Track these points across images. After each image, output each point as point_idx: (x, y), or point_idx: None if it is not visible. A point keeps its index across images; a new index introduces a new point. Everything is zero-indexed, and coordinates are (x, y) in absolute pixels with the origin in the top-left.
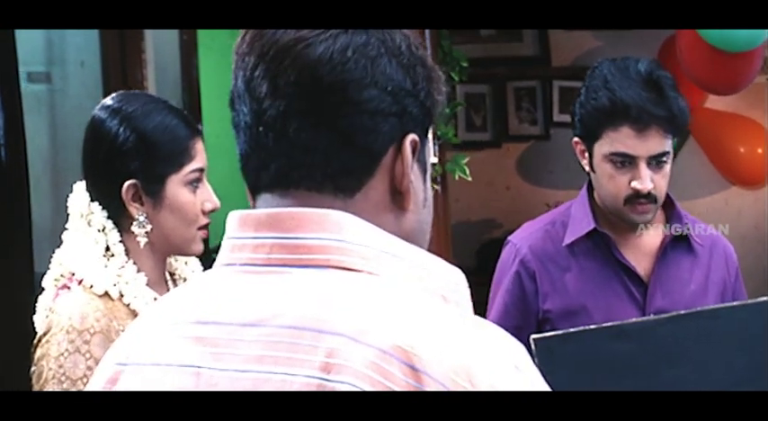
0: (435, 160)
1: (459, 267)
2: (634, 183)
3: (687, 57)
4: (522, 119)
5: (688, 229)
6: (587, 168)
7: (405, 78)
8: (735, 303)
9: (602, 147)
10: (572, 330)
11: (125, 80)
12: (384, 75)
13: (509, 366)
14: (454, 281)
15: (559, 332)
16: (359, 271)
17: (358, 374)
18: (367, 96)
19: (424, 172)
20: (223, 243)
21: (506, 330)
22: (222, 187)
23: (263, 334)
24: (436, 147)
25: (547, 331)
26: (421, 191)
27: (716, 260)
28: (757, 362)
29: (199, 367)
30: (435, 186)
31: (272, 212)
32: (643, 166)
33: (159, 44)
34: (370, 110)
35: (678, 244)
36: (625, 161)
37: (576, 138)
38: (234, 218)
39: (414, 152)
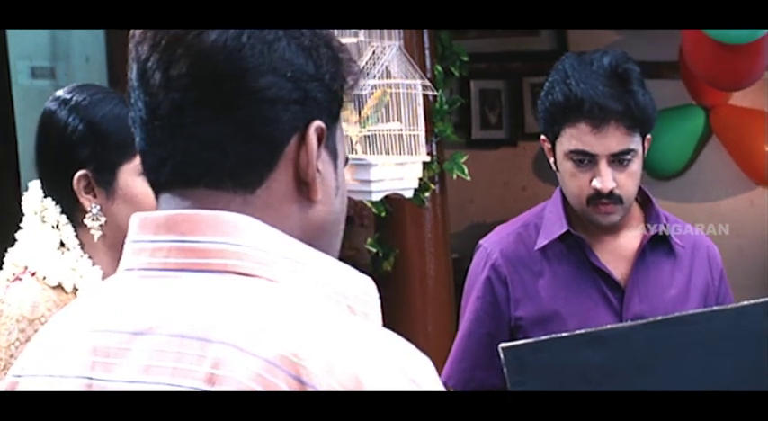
0: (427, 158)
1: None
2: (594, 183)
3: (690, 50)
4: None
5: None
6: (554, 167)
7: (306, 62)
8: (715, 308)
9: (563, 144)
10: (543, 338)
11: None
12: (283, 59)
13: (404, 380)
14: (363, 290)
15: (529, 340)
16: (256, 276)
17: (242, 387)
18: (265, 84)
19: (334, 159)
20: (125, 247)
21: (478, 338)
22: None
23: (152, 343)
24: (434, 146)
25: (519, 339)
26: (332, 179)
27: (698, 262)
28: (739, 369)
29: (90, 378)
30: (433, 186)
31: (169, 214)
32: (603, 165)
33: None
34: (268, 98)
35: (657, 246)
36: (585, 159)
37: (542, 136)
38: (135, 220)
39: (320, 139)
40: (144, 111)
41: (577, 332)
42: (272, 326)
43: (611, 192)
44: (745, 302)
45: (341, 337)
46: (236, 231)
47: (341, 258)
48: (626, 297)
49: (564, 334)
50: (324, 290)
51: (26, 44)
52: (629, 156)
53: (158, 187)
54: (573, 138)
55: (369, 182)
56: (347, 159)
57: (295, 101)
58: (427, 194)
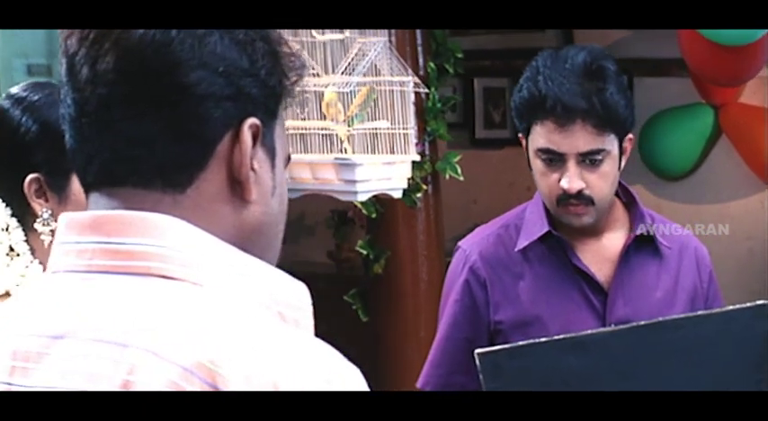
0: (417, 158)
1: None
2: (562, 182)
3: (686, 46)
4: None
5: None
6: (529, 166)
7: (240, 56)
8: (702, 312)
9: (532, 142)
10: (521, 343)
11: None
12: (214, 54)
13: (327, 390)
14: (295, 297)
15: (506, 346)
16: (180, 280)
17: None
18: (195, 79)
19: (272, 158)
20: (53, 248)
21: (456, 342)
22: None
23: (70, 347)
24: (426, 145)
25: (499, 343)
26: (268, 179)
27: (686, 264)
28: (727, 376)
29: (9, 383)
30: (425, 186)
31: (95, 215)
32: (572, 165)
33: None
34: (199, 94)
35: (642, 247)
36: (553, 158)
37: (519, 134)
38: (62, 221)
39: (256, 137)
40: (72, 107)
41: (557, 337)
42: (191, 331)
43: (579, 192)
44: (733, 306)
45: (262, 345)
46: (162, 233)
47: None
48: (609, 300)
49: (543, 339)
50: (252, 295)
51: (22, 41)
52: (599, 157)
53: (87, 186)
54: (540, 136)
55: (354, 182)
56: (289, 158)
57: (227, 97)
58: (419, 195)
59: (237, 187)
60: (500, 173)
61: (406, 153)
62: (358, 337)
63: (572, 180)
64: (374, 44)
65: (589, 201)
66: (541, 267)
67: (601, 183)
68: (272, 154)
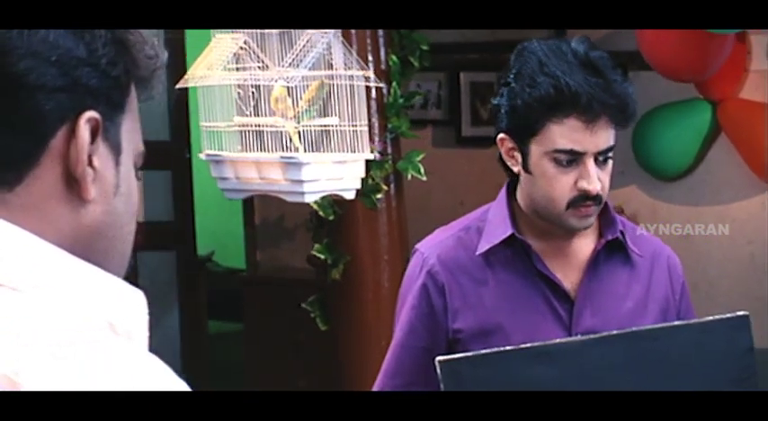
0: (371, 156)
1: None
2: (581, 184)
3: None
4: None
5: (623, 236)
6: (516, 169)
7: (77, 45)
8: (677, 323)
9: (542, 143)
10: (484, 351)
11: None
12: (46, 42)
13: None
14: (129, 307)
15: (469, 354)
16: None
17: None
18: (24, 69)
19: (116, 154)
20: None
21: (413, 351)
22: (211, 188)
23: None
24: (388, 143)
25: (458, 353)
26: (111, 177)
27: (658, 273)
28: (703, 389)
29: None
30: (385, 186)
31: None
32: (591, 164)
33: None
34: (28, 85)
35: (613, 254)
36: (570, 159)
37: (501, 135)
38: None
39: (96, 131)
40: None
41: (523, 346)
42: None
43: (596, 193)
44: (712, 317)
45: (74, 359)
46: None
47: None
48: (576, 309)
49: (507, 348)
50: (78, 304)
51: None
52: (611, 154)
53: None
54: (559, 135)
55: (301, 182)
56: (142, 155)
57: (61, 88)
58: (380, 196)
59: (75, 185)
60: (488, 173)
61: (358, 151)
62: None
63: (594, 180)
64: (323, 35)
65: (599, 202)
66: (504, 273)
67: (607, 181)
68: (116, 150)
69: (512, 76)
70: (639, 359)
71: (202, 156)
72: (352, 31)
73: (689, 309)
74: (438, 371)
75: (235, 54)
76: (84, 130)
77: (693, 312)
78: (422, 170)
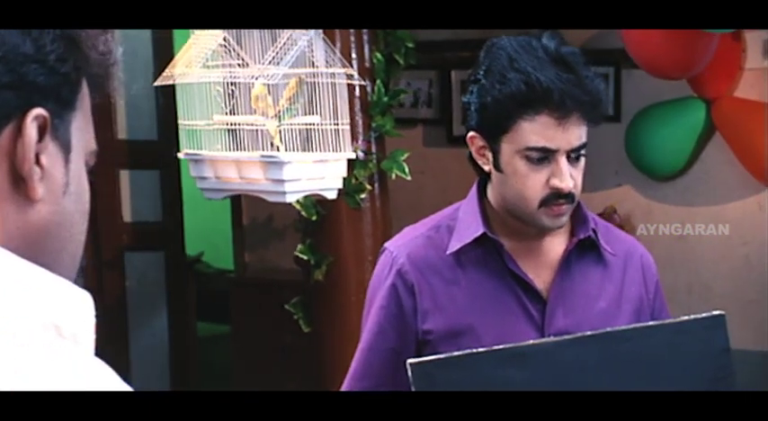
0: (352, 155)
1: None
2: (554, 182)
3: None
4: None
5: (596, 235)
6: (487, 168)
7: (23, 41)
8: (652, 323)
9: (513, 141)
10: (457, 353)
11: None
12: None
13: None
14: (75, 310)
15: (441, 356)
16: None
17: None
18: None
19: (66, 152)
20: None
21: (381, 353)
22: None
23: None
24: (372, 142)
25: (428, 355)
26: (60, 176)
27: (631, 272)
28: (676, 389)
29: None
30: (369, 186)
31: None
32: (563, 161)
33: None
34: None
35: (585, 253)
36: (542, 157)
37: (472, 133)
38: None
39: (44, 129)
40: None
41: (496, 347)
42: None
43: (569, 191)
44: (687, 317)
45: (20, 359)
46: None
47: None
48: (548, 309)
49: (480, 349)
50: (24, 305)
51: None
52: (583, 151)
53: None
54: (531, 133)
55: (282, 181)
56: (95, 153)
57: (6, 85)
58: (363, 196)
59: (21, 184)
60: None
61: (340, 150)
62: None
63: (566, 178)
64: (304, 33)
65: (572, 200)
66: (475, 272)
67: (580, 179)
68: (65, 148)
69: (481, 72)
70: (613, 360)
71: (181, 155)
72: None
73: (663, 309)
74: (409, 373)
75: (214, 51)
76: (30, 128)
77: (668, 312)
78: (406, 169)
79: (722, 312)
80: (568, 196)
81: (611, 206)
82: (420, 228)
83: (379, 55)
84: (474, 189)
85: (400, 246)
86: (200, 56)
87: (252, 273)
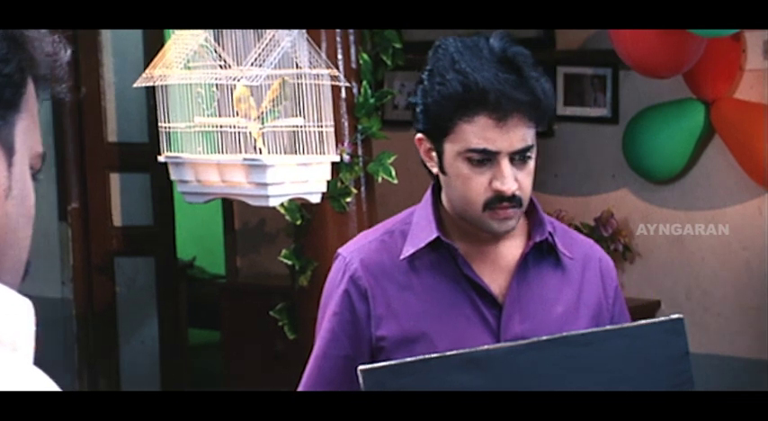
0: (336, 158)
1: None
2: (495, 184)
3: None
4: None
5: (553, 238)
6: (435, 170)
7: None
8: (610, 327)
9: (455, 142)
10: (408, 360)
11: (76, 66)
12: None
13: None
14: (13, 317)
15: (392, 362)
16: None
17: None
18: None
19: (9, 155)
20: None
21: (335, 361)
22: None
23: None
24: (359, 144)
25: (381, 362)
26: (3, 178)
27: (589, 277)
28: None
29: None
30: (355, 190)
31: None
32: (506, 164)
33: None
34: None
35: (542, 257)
36: (484, 158)
37: (419, 135)
38: None
39: None
40: None
41: (448, 353)
42: None
43: (513, 194)
44: (645, 321)
45: None
46: None
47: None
48: (504, 315)
49: (433, 355)
50: None
51: None
52: (529, 153)
53: None
54: (470, 134)
55: (265, 185)
56: (41, 156)
57: None
58: (349, 199)
59: None
60: None
61: (324, 153)
62: None
63: (508, 181)
64: (288, 33)
65: (518, 204)
66: (430, 278)
67: (528, 182)
68: (8, 150)
69: (426, 73)
70: (570, 365)
71: (162, 158)
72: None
73: (623, 315)
74: (360, 380)
75: (195, 52)
76: None
77: (628, 318)
78: (393, 172)
79: (680, 316)
80: (512, 199)
81: (607, 210)
82: (374, 233)
83: (365, 55)
84: (428, 193)
85: (353, 251)
86: (180, 57)
87: (244, 279)
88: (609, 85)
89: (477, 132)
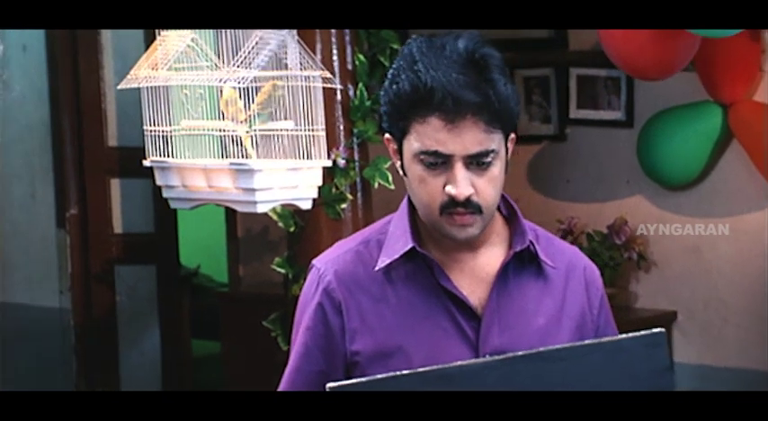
0: (328, 163)
1: None
2: (448, 189)
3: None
4: (533, 115)
5: (535, 246)
6: (401, 172)
7: None
8: (588, 342)
9: (411, 143)
10: (378, 377)
11: (75, 67)
12: None
13: None
14: None
15: (363, 379)
16: None
17: None
18: None
19: None
20: None
21: (308, 376)
22: None
23: None
24: (355, 149)
25: (357, 377)
26: None
27: (573, 287)
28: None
29: None
30: (350, 196)
31: None
32: (459, 168)
33: None
34: None
35: (523, 266)
36: (437, 161)
37: (386, 135)
38: None
39: None
40: None
41: (421, 369)
42: None
43: (468, 199)
44: (625, 335)
45: None
46: None
47: None
48: (483, 327)
49: (404, 371)
50: None
51: None
52: (488, 158)
53: None
54: (423, 136)
55: (253, 190)
56: None
57: None
58: (344, 205)
59: None
60: None
61: (315, 158)
62: None
63: (460, 185)
64: (276, 34)
65: (477, 210)
66: (406, 290)
67: (489, 188)
68: None
69: (389, 73)
70: (546, 381)
71: (147, 162)
72: None
73: (609, 326)
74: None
75: (182, 53)
76: None
77: (614, 329)
78: (389, 178)
79: (662, 329)
80: (468, 205)
81: (621, 217)
82: (350, 243)
83: (361, 56)
84: (405, 200)
85: (327, 262)
86: (166, 58)
87: (246, 288)
88: (623, 86)
89: (429, 134)
